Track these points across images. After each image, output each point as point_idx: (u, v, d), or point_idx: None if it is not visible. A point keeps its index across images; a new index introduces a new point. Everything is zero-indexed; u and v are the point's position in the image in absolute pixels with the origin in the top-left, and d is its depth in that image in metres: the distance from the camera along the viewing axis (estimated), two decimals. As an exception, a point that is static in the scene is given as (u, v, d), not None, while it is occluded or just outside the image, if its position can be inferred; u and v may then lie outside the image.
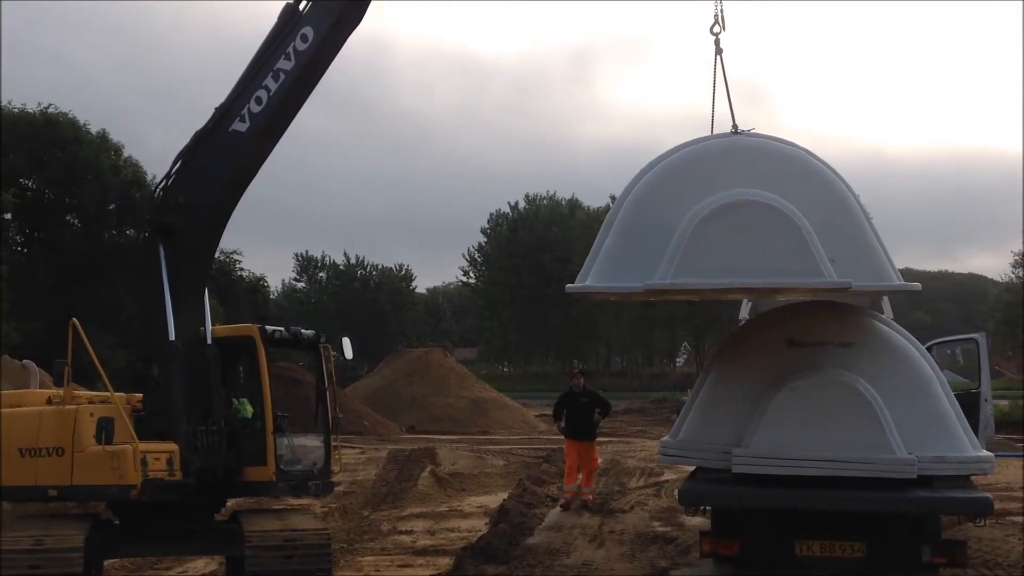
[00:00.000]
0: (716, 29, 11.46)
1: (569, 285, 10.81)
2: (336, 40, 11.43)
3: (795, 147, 10.86)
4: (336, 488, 12.90)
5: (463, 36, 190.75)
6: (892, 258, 10.59)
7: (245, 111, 11.40)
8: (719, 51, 11.48)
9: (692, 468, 11.16)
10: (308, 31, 11.26)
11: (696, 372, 76.93)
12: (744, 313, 13.61)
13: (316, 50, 11.25)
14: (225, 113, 11.47)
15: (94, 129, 53.73)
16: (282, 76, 11.29)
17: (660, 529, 14.82)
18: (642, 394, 66.72)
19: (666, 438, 11.29)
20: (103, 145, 53.28)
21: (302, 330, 12.46)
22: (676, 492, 12.10)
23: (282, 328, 12.23)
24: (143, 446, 10.81)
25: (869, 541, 9.92)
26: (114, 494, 10.91)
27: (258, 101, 11.35)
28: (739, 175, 10.34)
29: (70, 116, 52.94)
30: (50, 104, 53.00)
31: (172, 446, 10.99)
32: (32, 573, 10.18)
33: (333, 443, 12.21)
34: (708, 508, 11.00)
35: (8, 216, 50.83)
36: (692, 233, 9.87)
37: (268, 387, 11.54)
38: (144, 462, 10.69)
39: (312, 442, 12.32)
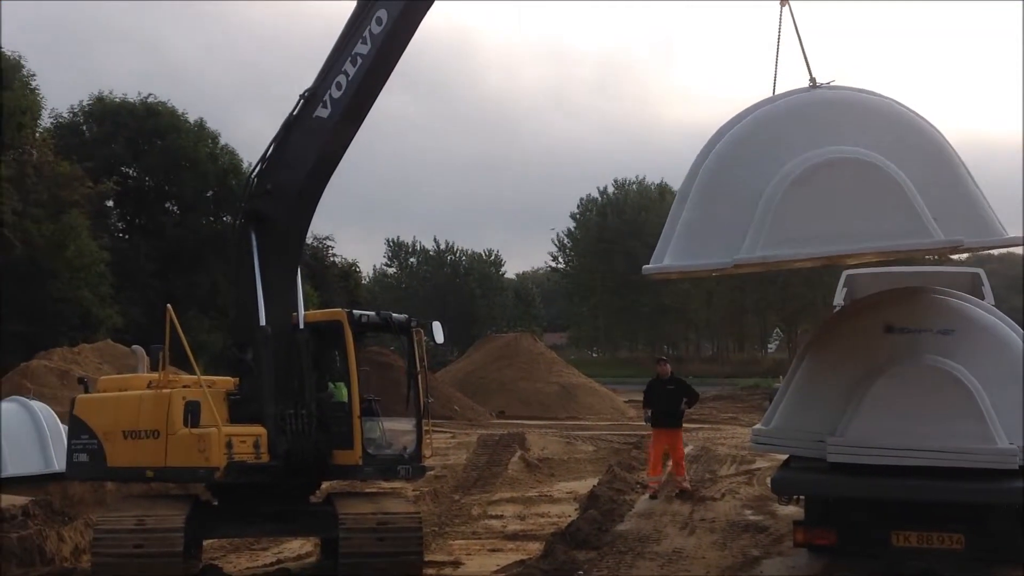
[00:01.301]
0: None
1: (646, 266, 10.12)
2: (409, 22, 11.35)
3: (881, 97, 10.10)
4: (428, 472, 13.00)
5: (551, 27, 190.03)
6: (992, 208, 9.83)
7: (327, 97, 11.48)
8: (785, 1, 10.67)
9: (785, 456, 11.00)
10: (382, 13, 11.23)
11: (788, 358, 75.77)
12: (839, 299, 13.34)
13: (389, 33, 11.20)
14: (309, 99, 11.58)
15: (192, 118, 54.97)
16: (359, 60, 11.29)
17: (752, 517, 14.64)
18: (733, 380, 65.98)
19: (758, 426, 11.14)
20: (201, 133, 54.37)
21: (393, 314, 12.52)
22: (769, 481, 11.94)
23: (372, 312, 12.33)
24: (229, 429, 11.05)
25: (969, 532, 9.67)
26: (201, 476, 11.17)
27: (338, 86, 11.40)
28: (826, 132, 9.54)
29: (169, 105, 54.23)
30: (149, 94, 54.36)
31: (259, 429, 11.18)
32: (135, 552, 10.48)
33: (424, 427, 12.26)
34: (801, 497, 10.84)
35: (110, 203, 52.29)
36: (782, 198, 9.12)
37: (355, 371, 11.66)
38: (229, 445, 10.91)
39: (405, 426, 12.41)
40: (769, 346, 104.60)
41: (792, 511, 12.38)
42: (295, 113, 11.67)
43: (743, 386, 57.12)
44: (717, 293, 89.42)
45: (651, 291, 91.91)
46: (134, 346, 12.11)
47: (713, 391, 50.51)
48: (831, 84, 10.21)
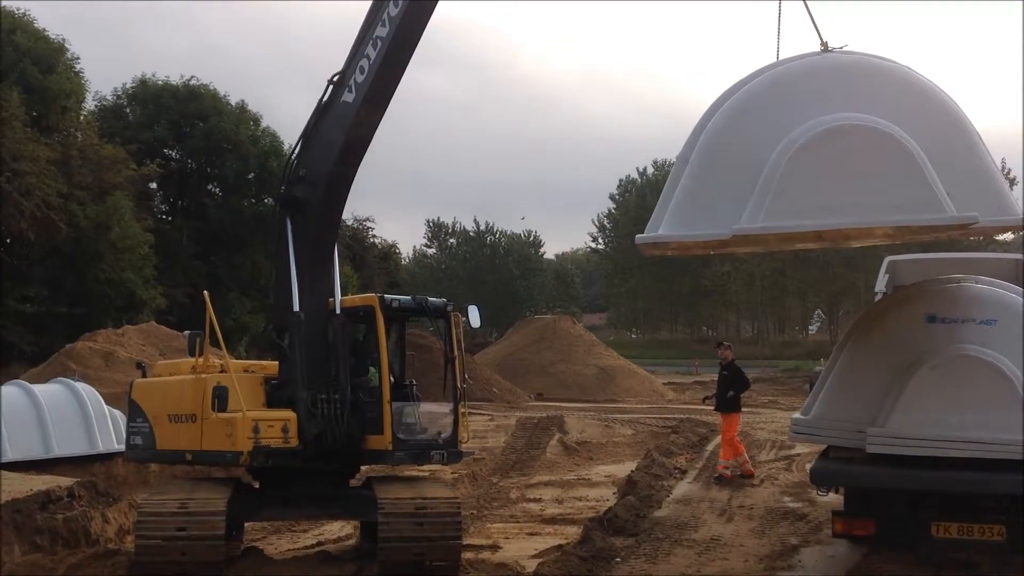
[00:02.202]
0: None
1: (639, 235, 9.75)
2: (422, 3, 11.12)
3: (897, 64, 9.63)
4: (466, 457, 13.04)
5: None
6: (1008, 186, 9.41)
7: (351, 81, 11.42)
8: None
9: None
10: None
11: (830, 341, 75.25)
12: (881, 286, 13.22)
13: (404, 14, 11.03)
14: (337, 84, 11.56)
15: (233, 100, 55.30)
16: (379, 43, 11.17)
17: (791, 505, 14.60)
18: (773, 362, 65.60)
19: (797, 415, 11.08)
20: (242, 116, 54.64)
21: (429, 298, 12.51)
22: (808, 469, 11.89)
23: (406, 297, 12.33)
24: (257, 414, 11.16)
25: (1010, 524, 9.58)
26: (228, 459, 11.32)
27: (361, 70, 11.32)
28: (836, 97, 9.05)
29: (211, 88, 54.58)
30: (192, 76, 54.72)
31: (289, 414, 11.27)
32: (178, 534, 10.63)
33: (462, 411, 12.21)
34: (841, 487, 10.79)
35: (153, 186, 52.78)
36: (787, 166, 8.65)
37: (386, 356, 11.63)
38: (256, 429, 11.01)
39: (442, 409, 12.39)
40: (810, 328, 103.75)
41: (831, 499, 12.34)
42: (325, 98, 11.67)
43: (783, 368, 56.82)
44: (758, 275, 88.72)
45: (691, 272, 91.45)
46: (186, 332, 12.28)
47: (753, 373, 50.13)
48: (844, 48, 9.72)
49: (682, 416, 28.30)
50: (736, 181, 8.95)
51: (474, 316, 13.01)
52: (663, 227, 9.41)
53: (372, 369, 12.14)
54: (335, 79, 11.58)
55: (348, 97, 11.44)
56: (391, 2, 11.12)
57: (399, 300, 12.11)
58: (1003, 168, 77.88)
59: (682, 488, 16.20)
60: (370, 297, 12.04)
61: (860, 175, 8.67)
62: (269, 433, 11.09)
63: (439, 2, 11.22)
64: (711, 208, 9.10)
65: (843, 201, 8.70)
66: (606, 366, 44.26)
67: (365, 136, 11.63)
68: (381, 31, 11.16)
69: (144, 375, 13.08)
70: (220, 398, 11.24)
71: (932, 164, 8.69)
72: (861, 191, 8.67)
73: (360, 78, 11.33)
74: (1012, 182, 76.45)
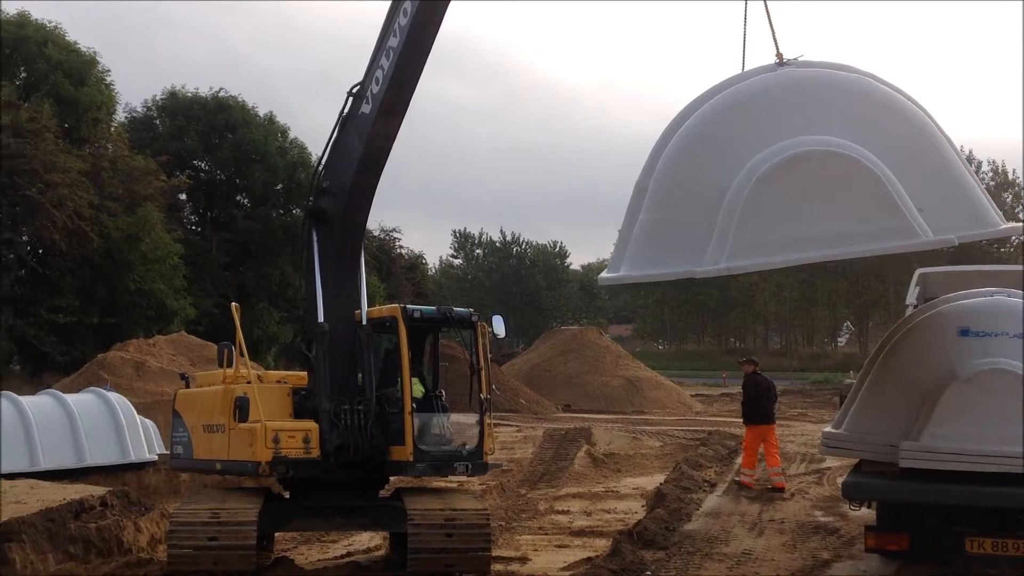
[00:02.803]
0: None
1: (601, 275, 9.55)
2: (431, 11, 11.01)
3: (857, 72, 9.22)
4: (494, 468, 13.02)
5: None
6: (990, 196, 9.00)
7: (368, 92, 11.44)
8: None
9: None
10: (408, 5, 11.05)
11: (859, 353, 74.78)
12: (912, 298, 13.12)
13: (413, 23, 10.96)
14: (356, 95, 11.60)
15: (261, 112, 55.72)
16: (391, 54, 11.15)
17: (822, 519, 14.50)
18: (802, 375, 65.22)
19: (828, 428, 11.02)
20: (270, 127, 55.08)
21: (454, 308, 12.52)
22: (840, 485, 11.82)
23: (431, 307, 12.37)
24: (278, 424, 11.23)
25: (1045, 540, 9.49)
26: (249, 469, 11.40)
27: (376, 81, 11.33)
28: (794, 119, 8.65)
29: (239, 100, 55.03)
30: (220, 88, 55.18)
31: (311, 424, 11.33)
32: (209, 544, 10.72)
33: (487, 422, 12.14)
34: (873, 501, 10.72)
35: (183, 197, 53.25)
36: (747, 199, 8.30)
37: (408, 366, 11.63)
38: (276, 440, 11.08)
39: (468, 420, 12.31)
40: (839, 340, 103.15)
41: (863, 514, 12.25)
42: (345, 110, 11.73)
43: (813, 381, 56.42)
44: (786, 286, 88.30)
45: (717, 284, 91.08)
46: (222, 343, 12.39)
47: (781, 386, 49.88)
48: (799, 60, 9.32)
49: (710, 428, 28.18)
50: (696, 214, 8.62)
51: (499, 326, 12.93)
52: (624, 267, 9.11)
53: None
54: (354, 90, 11.63)
55: (366, 108, 11.47)
56: (401, 12, 11.11)
57: (421, 310, 12.11)
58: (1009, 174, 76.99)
59: (712, 501, 16.12)
60: (393, 308, 12.06)
61: (826, 204, 8.33)
62: (290, 443, 11.15)
63: (446, 11, 11.13)
64: (673, 245, 8.78)
65: (810, 233, 8.36)
66: (633, 377, 44.13)
67: (383, 147, 11.62)
68: (393, 41, 11.15)
69: (187, 386, 13.26)
70: (241, 408, 11.37)
71: (901, 180, 8.33)
72: (828, 221, 8.34)
73: (375, 89, 11.34)
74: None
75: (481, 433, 12.05)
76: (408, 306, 12.06)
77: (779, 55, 9.40)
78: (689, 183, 8.80)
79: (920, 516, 9.92)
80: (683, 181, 8.86)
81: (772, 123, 8.67)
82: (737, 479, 17.65)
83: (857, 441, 10.34)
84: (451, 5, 11.07)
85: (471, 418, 12.24)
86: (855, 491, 10.40)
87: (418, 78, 11.37)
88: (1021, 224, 9.00)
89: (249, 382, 11.79)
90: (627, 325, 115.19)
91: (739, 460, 18.35)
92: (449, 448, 11.98)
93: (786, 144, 8.48)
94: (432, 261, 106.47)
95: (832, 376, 58.61)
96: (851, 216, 8.29)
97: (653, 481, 18.72)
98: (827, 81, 9.11)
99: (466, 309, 12.60)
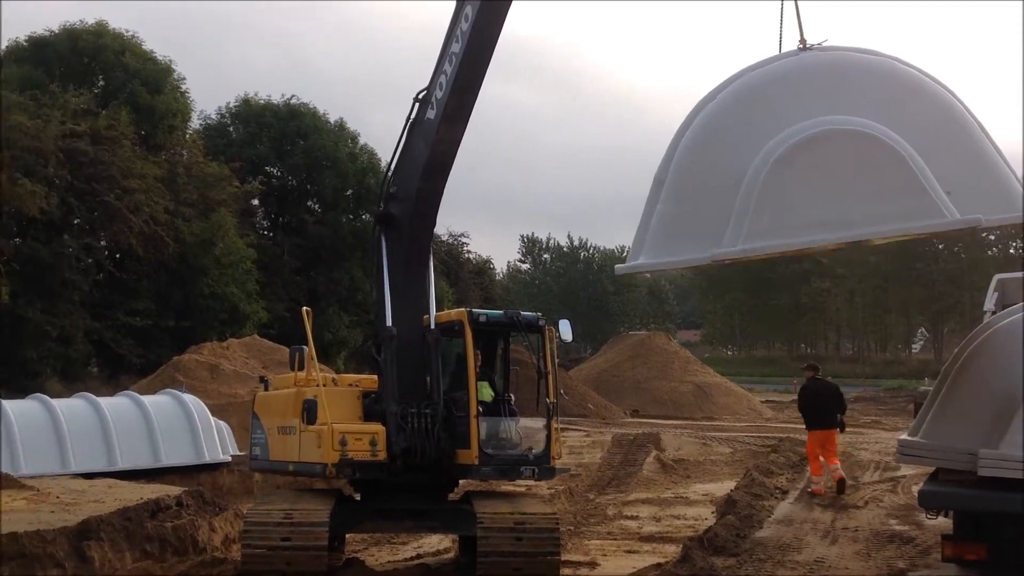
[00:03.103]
0: None
1: (619, 266, 9.39)
2: (491, 15, 11.01)
3: (881, 56, 8.91)
4: (561, 473, 12.97)
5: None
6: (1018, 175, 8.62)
7: (433, 98, 11.49)
8: None
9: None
10: (469, 10, 11.07)
11: (934, 359, 73.34)
12: (989, 304, 12.82)
13: (474, 27, 10.97)
14: (423, 101, 11.66)
15: (332, 118, 56.37)
16: (454, 59, 11.18)
17: (897, 527, 14.24)
18: (876, 382, 64.14)
19: (904, 436, 10.80)
20: (341, 134, 55.68)
21: (521, 312, 12.50)
22: (916, 493, 11.59)
23: (497, 311, 12.40)
24: (345, 427, 11.35)
25: None
26: (317, 471, 11.56)
27: (440, 87, 11.38)
28: (815, 101, 8.37)
29: (311, 106, 55.73)
30: (292, 95, 55.93)
31: (378, 427, 11.43)
32: (282, 544, 10.86)
33: (555, 426, 12.10)
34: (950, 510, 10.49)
35: (255, 202, 54.05)
36: (765, 181, 8.08)
37: (473, 370, 11.67)
38: (343, 442, 11.20)
39: (536, 424, 12.31)
40: (913, 346, 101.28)
41: (940, 523, 11.99)
42: (411, 116, 11.79)
43: (886, 388, 55.48)
44: (858, 291, 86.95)
45: (788, 288, 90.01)
46: (302, 346, 12.54)
47: (854, 393, 49.22)
48: (823, 44, 9.04)
49: (781, 435, 27.83)
50: (714, 201, 8.42)
51: (566, 330, 12.89)
52: (643, 255, 8.97)
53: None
54: (420, 96, 11.69)
55: (431, 114, 11.53)
56: (462, 18, 11.15)
57: (487, 314, 12.13)
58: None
59: (783, 508, 15.91)
60: (460, 312, 12.11)
61: (847, 184, 8.06)
62: (356, 446, 11.27)
63: (506, 15, 11.14)
64: (691, 232, 8.58)
65: (830, 214, 8.09)
66: (702, 383, 43.76)
67: (448, 152, 11.66)
68: (455, 47, 11.20)
69: (266, 388, 13.48)
70: (309, 411, 11.56)
71: (927, 162, 8.05)
72: (849, 202, 8.07)
73: (439, 95, 11.40)
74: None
75: (548, 437, 12.02)
76: (474, 310, 12.10)
77: (802, 40, 9.15)
78: (706, 171, 8.62)
79: (999, 525, 9.67)
80: (700, 170, 8.69)
81: (792, 107, 8.43)
82: (809, 489, 17.41)
83: (934, 449, 10.09)
84: (518, 10, 11.10)
85: (538, 422, 12.24)
86: (932, 500, 10.18)
87: (480, 83, 11.40)
88: None
89: (320, 385, 11.93)
90: (696, 330, 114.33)
91: (809, 468, 18.21)
92: (515, 452, 11.99)
93: (806, 125, 8.25)
94: (500, 266, 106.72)
95: (906, 383, 57.54)
96: (873, 197, 8.00)
97: (723, 488, 18.56)
98: (851, 64, 8.83)
99: (533, 313, 12.58)
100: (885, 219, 8.08)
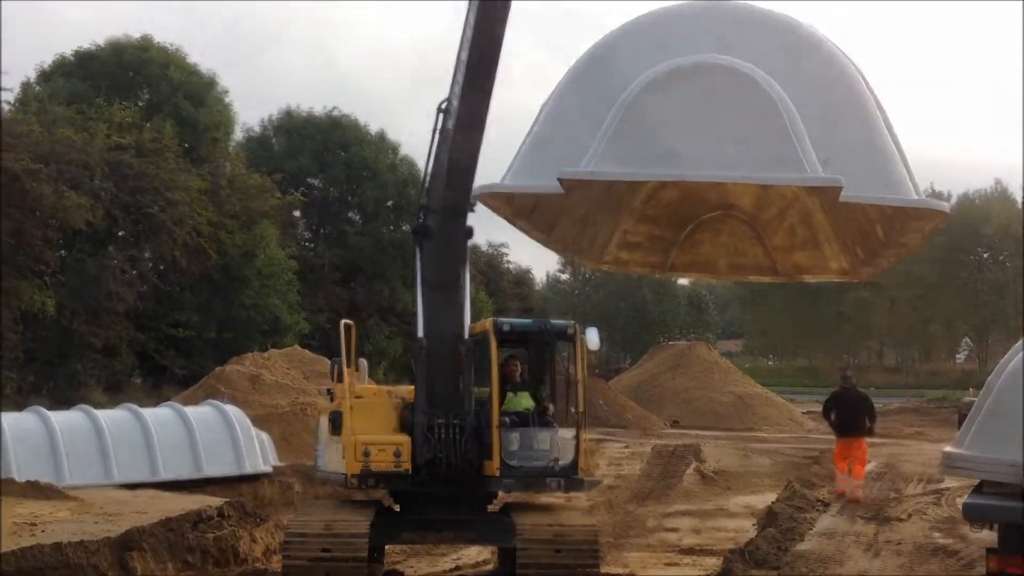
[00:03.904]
0: None
1: (479, 185, 9.17)
2: (490, 15, 10.58)
3: (797, 21, 8.71)
4: (594, 484, 12.83)
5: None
6: (914, 173, 8.37)
7: (451, 107, 11.39)
8: None
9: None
10: (469, 13, 10.87)
11: (979, 370, 72.30)
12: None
13: (475, 30, 10.67)
14: (445, 111, 11.58)
15: (372, 129, 56.74)
16: (463, 67, 11.05)
17: (941, 541, 14.07)
18: (919, 392, 63.31)
19: (949, 448, 10.67)
20: (381, 145, 56.03)
21: (551, 320, 12.44)
22: (960, 506, 11.45)
23: (525, 320, 12.43)
24: (369, 438, 11.40)
25: None
26: (341, 481, 11.70)
27: (455, 96, 11.25)
28: (711, 42, 8.13)
29: (352, 118, 56.14)
30: (334, 107, 56.36)
31: (403, 438, 11.45)
32: (322, 555, 10.91)
33: (584, 436, 11.88)
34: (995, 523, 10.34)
35: (297, 213, 54.45)
36: (632, 103, 7.85)
37: (496, 380, 11.62)
38: (367, 453, 11.27)
39: (564, 435, 12.03)
40: (957, 356, 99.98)
41: (985, 536, 11.82)
42: (436, 125, 11.74)
43: (930, 399, 54.76)
44: (900, 301, 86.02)
45: (829, 298, 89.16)
46: (336, 358, 12.58)
47: (897, 403, 48.68)
48: None
49: (823, 447, 27.55)
50: (585, 125, 8.19)
51: (593, 338, 12.48)
52: (509, 176, 8.74)
53: (510, 394, 12.15)
54: (443, 106, 11.60)
55: (449, 123, 11.43)
56: (466, 25, 10.98)
57: (511, 323, 12.07)
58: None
59: (825, 521, 15.76)
60: (486, 323, 12.03)
61: (713, 121, 7.81)
62: (380, 457, 11.32)
63: (505, 19, 10.64)
64: (558, 155, 8.32)
65: (688, 149, 7.81)
66: (743, 394, 43.46)
67: (466, 161, 11.32)
68: (463, 54, 11.04)
69: (331, 400, 13.46)
70: (335, 422, 11.72)
71: (808, 124, 7.76)
72: (712, 140, 7.80)
73: (455, 103, 11.26)
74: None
75: (576, 448, 11.81)
76: (499, 319, 12.03)
77: None
78: (585, 97, 8.43)
79: (1046, 540, 9.53)
80: (579, 94, 8.49)
81: (683, 45, 8.21)
82: (835, 490, 17.78)
83: (979, 461, 9.96)
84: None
85: (566, 433, 12.00)
86: (977, 512, 10.04)
87: (488, 88, 10.98)
88: (942, 203, 8.12)
89: (360, 397, 12.00)
90: (736, 340, 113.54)
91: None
92: (539, 464, 11.75)
93: (688, 58, 8.04)
94: (540, 276, 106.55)
95: (950, 394, 56.64)
96: (737, 139, 7.77)
97: (764, 500, 18.41)
98: (754, 15, 8.67)
99: (564, 321, 12.49)
100: (742, 164, 7.82)
